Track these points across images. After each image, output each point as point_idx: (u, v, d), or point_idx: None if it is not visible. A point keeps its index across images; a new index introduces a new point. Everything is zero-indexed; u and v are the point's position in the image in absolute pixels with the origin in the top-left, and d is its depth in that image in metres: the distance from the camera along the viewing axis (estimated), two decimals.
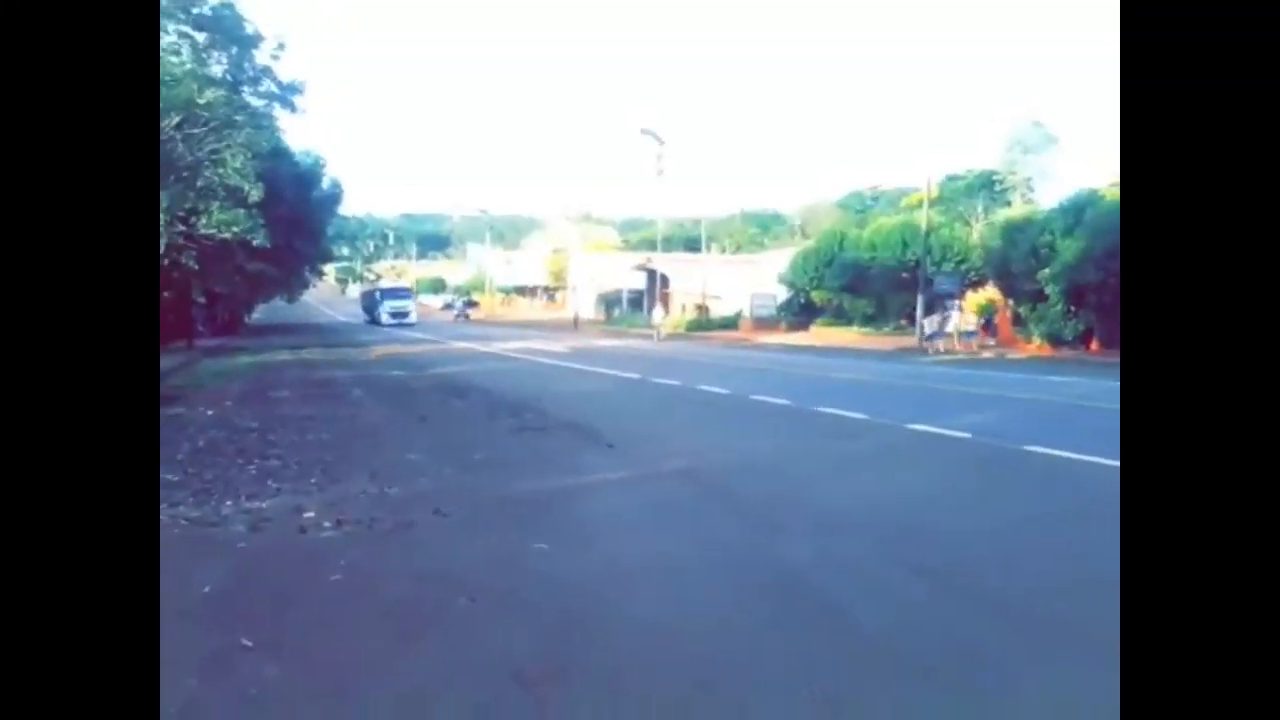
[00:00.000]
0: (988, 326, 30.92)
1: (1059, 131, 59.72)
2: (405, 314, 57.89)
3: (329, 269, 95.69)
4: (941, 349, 28.63)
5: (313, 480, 6.94)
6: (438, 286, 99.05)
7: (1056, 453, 8.13)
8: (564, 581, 4.59)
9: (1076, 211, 28.66)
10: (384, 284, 71.97)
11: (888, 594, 4.40)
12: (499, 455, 8.34)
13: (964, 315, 30.63)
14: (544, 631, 3.89)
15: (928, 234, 36.01)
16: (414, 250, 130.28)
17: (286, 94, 24.12)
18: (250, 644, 3.63)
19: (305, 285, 53.55)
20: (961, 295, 36.30)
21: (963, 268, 37.23)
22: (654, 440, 9.62)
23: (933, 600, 4.31)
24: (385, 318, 56.95)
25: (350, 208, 68.03)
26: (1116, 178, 33.02)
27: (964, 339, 29.48)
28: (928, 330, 29.95)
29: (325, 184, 39.14)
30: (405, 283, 79.14)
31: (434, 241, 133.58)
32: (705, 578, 4.71)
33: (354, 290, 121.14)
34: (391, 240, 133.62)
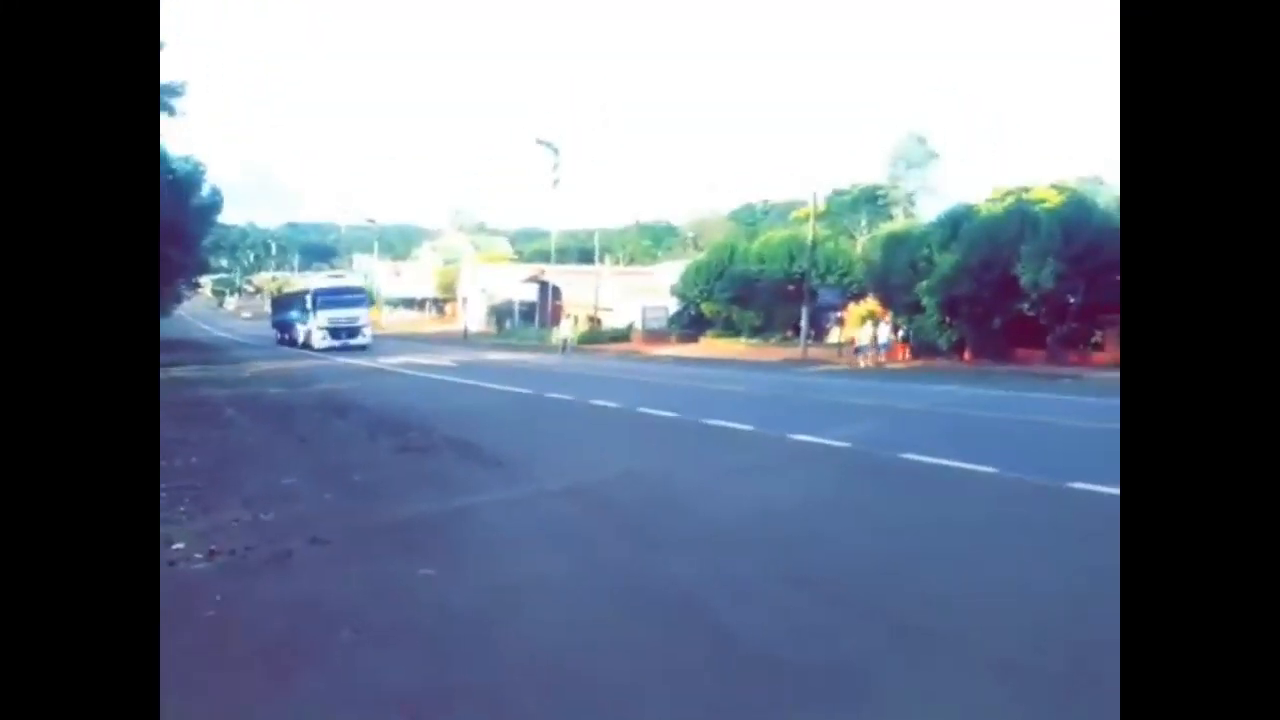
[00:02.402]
0: (908, 340, 31.18)
1: (941, 147, 62.58)
2: (354, 329, 38.82)
3: (206, 281, 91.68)
4: (870, 362, 28.66)
5: (182, 509, 6.62)
6: None
7: (929, 460, 8.50)
8: (450, 607, 4.53)
9: (953, 225, 29.98)
10: (313, 283, 46.15)
11: (769, 606, 4.52)
12: (381, 477, 8.15)
13: (879, 329, 30.64)
14: (430, 660, 3.84)
15: (814, 247, 37.13)
16: (297, 261, 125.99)
17: (165, 96, 23.07)
18: None
19: (179, 299, 51.12)
20: (844, 307, 37.59)
21: (846, 280, 38.51)
22: (542, 457, 9.59)
23: (813, 610, 4.45)
24: (320, 337, 37.94)
25: (230, 216, 64.19)
26: (992, 191, 34.86)
27: (879, 350, 29.81)
28: (860, 342, 30.09)
29: (204, 191, 37.51)
30: (350, 279, 52.22)
31: (319, 252, 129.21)
32: (591, 596, 4.74)
33: (232, 303, 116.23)
34: (274, 250, 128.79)
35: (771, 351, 35.24)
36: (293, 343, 42.57)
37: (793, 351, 33.63)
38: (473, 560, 5.46)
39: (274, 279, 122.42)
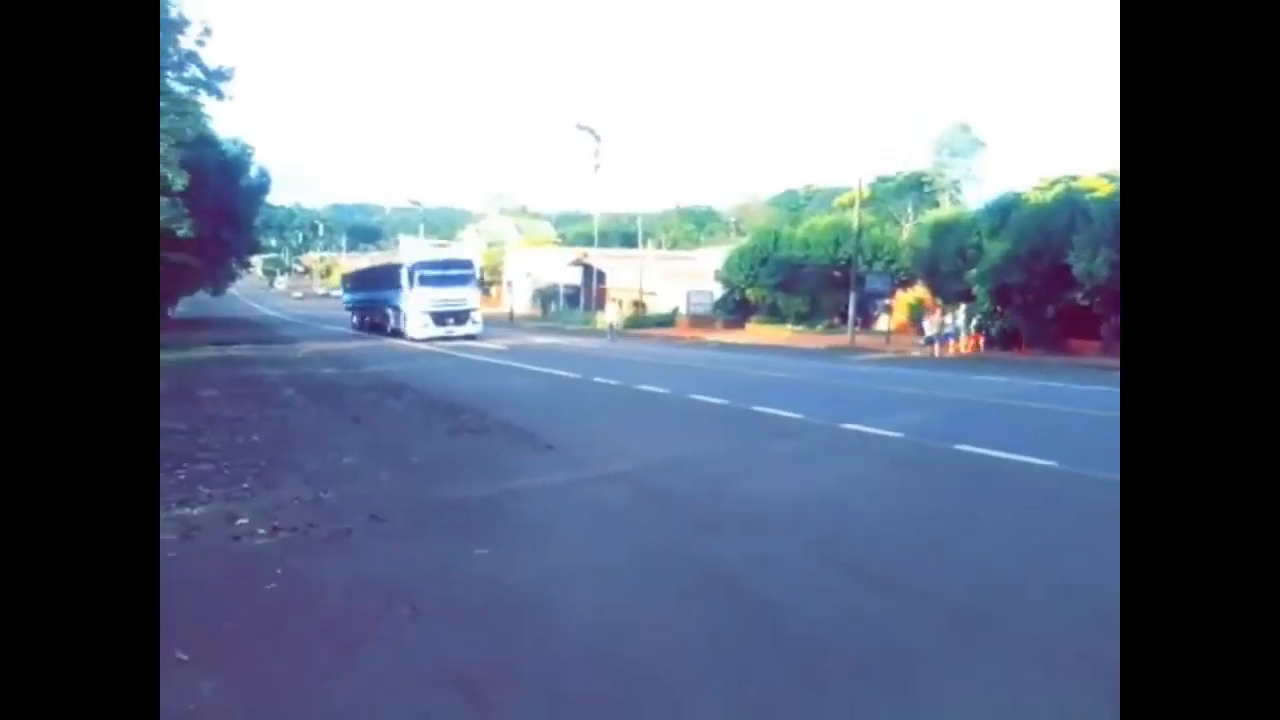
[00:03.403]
0: (982, 330, 29.00)
1: (986, 135, 61.56)
2: (462, 313, 31.61)
3: (256, 260, 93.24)
4: (936, 354, 27.35)
5: (245, 485, 6.79)
6: None
7: (984, 452, 8.38)
8: (506, 587, 4.60)
9: (1002, 213, 29.48)
10: (407, 253, 36.34)
11: (822, 593, 4.51)
12: (436, 458, 8.26)
13: (947, 317, 28.97)
14: (487, 638, 3.91)
15: (859, 233, 36.71)
16: (344, 242, 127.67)
17: (213, 80, 23.47)
18: (185, 658, 3.55)
19: (232, 277, 52.01)
20: (891, 295, 37.08)
21: (893, 267, 38.03)
22: (593, 442, 9.64)
23: (867, 598, 4.44)
24: (419, 323, 30.74)
25: (278, 197, 64.81)
26: (1039, 180, 34.14)
27: (946, 341, 28.22)
28: (929, 332, 28.89)
29: (253, 173, 38.18)
30: (456, 249, 42.49)
31: (364, 233, 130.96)
32: (644, 579, 4.78)
33: (283, 282, 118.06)
34: (321, 231, 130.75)
35: (818, 338, 34.96)
36: (378, 329, 35.19)
37: (840, 339, 33.32)
38: (526, 541, 5.52)
39: (321, 259, 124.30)
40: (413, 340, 30.01)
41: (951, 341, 28.04)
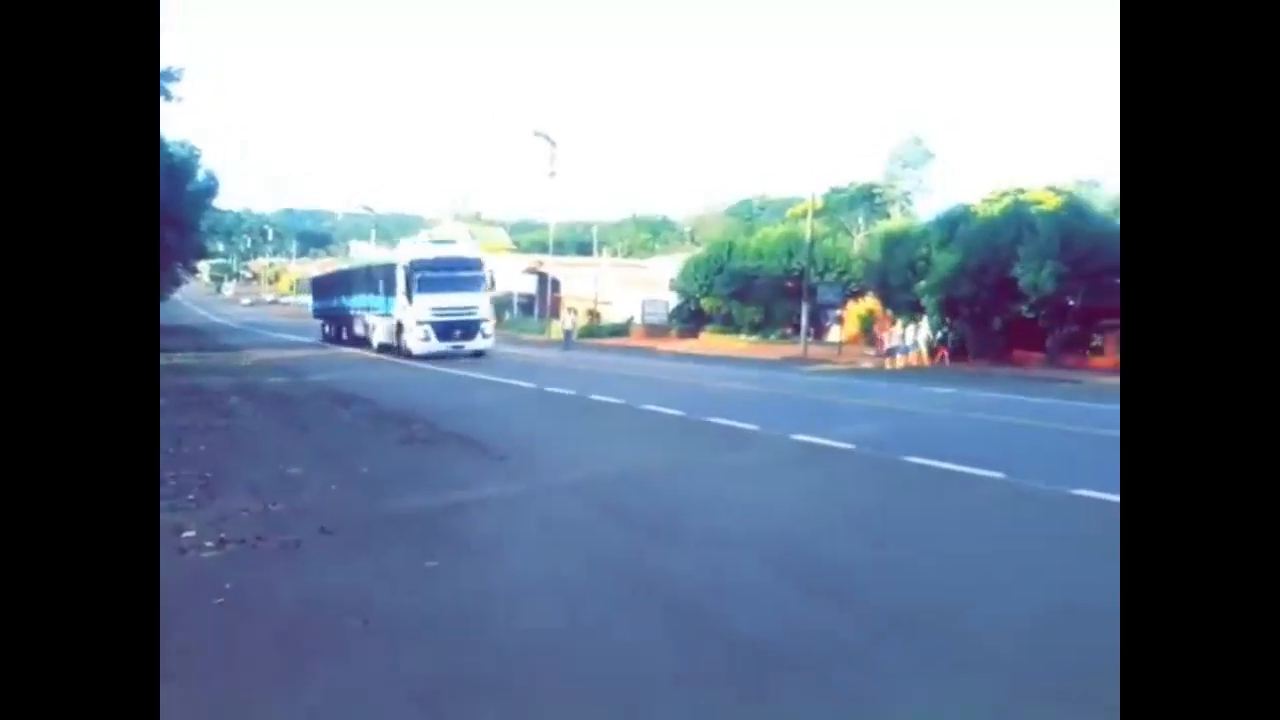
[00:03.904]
0: (946, 343, 29.09)
1: (936, 147, 62.75)
2: (470, 324, 25.42)
3: (203, 266, 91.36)
4: (900, 364, 27.59)
5: (191, 497, 6.65)
6: None
7: (933, 463, 8.53)
8: (457, 598, 4.58)
9: (951, 225, 29.94)
10: (402, 251, 27.61)
11: (773, 604, 4.56)
12: (387, 468, 8.18)
13: (907, 329, 28.99)
14: (438, 650, 3.89)
15: (811, 244, 37.13)
16: (294, 247, 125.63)
17: (161, 81, 23.02)
18: None
19: (176, 283, 50.96)
20: (843, 305, 37.55)
21: (844, 279, 38.52)
22: (547, 452, 9.62)
23: (818, 610, 4.49)
24: (418, 336, 24.84)
25: (226, 202, 63.65)
26: (989, 192, 34.81)
27: (907, 352, 28.42)
28: (888, 344, 29.22)
29: (200, 176, 37.41)
30: (460, 247, 28.27)
31: (315, 239, 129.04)
32: (595, 591, 4.78)
33: (230, 288, 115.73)
34: (270, 237, 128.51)
35: (772, 349, 35.26)
36: (359, 342, 29.66)
37: (793, 349, 33.65)
38: (478, 553, 5.50)
39: (271, 265, 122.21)
40: (408, 357, 24.58)
41: (912, 354, 28.28)
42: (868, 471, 8.61)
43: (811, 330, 35.29)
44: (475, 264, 26.67)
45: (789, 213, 57.44)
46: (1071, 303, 25.55)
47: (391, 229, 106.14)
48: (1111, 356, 25.02)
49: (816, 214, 41.30)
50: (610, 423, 12.63)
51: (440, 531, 5.97)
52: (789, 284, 39.14)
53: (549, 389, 16.38)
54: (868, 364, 28.47)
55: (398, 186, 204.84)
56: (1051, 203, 29.35)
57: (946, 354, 28.08)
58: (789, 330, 38.43)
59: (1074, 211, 27.48)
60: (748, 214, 77.17)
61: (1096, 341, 26.80)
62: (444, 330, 24.94)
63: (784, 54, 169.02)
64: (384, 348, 27.23)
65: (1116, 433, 11.28)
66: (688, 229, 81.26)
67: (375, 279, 28.54)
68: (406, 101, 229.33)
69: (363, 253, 41.72)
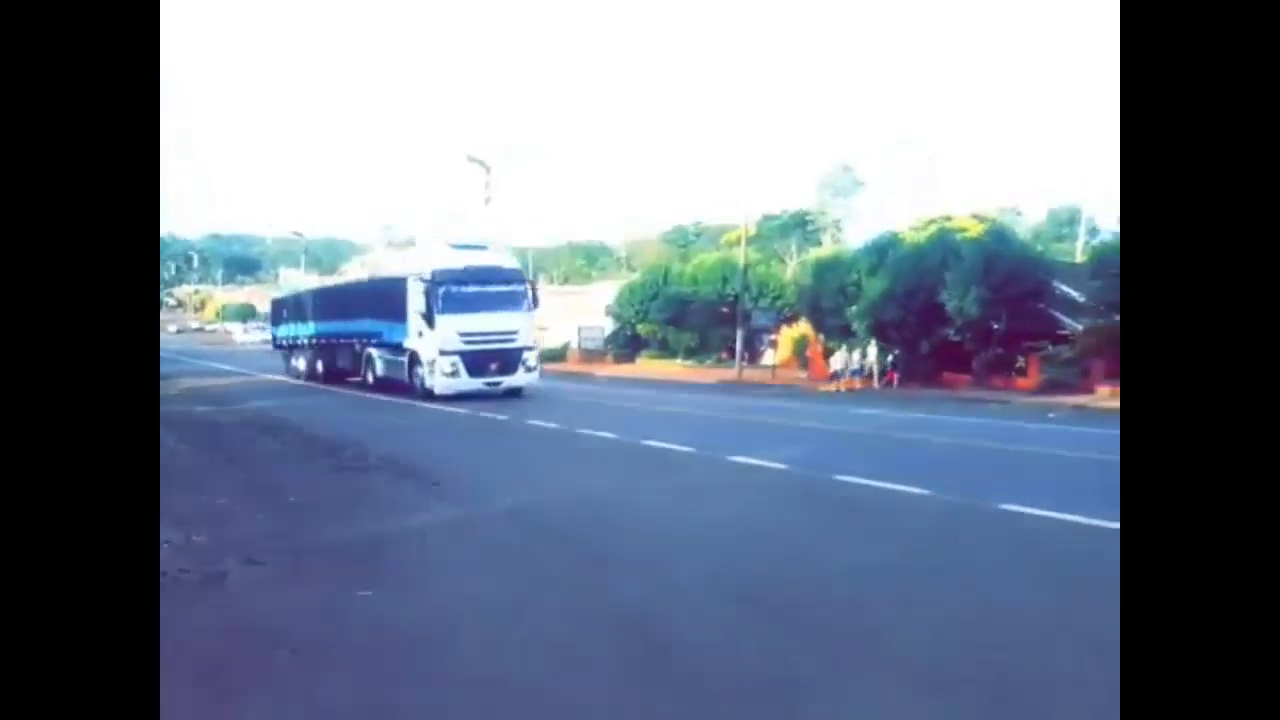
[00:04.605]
0: (895, 367, 29.07)
1: (865, 175, 64.64)
2: (511, 355, 19.99)
3: None
4: (843, 387, 27.91)
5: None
6: (246, 314, 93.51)
7: (862, 481, 8.68)
8: (389, 628, 4.50)
9: (880, 252, 30.72)
10: (418, 258, 22.49)
11: (711, 622, 4.58)
12: (317, 497, 8.01)
13: (854, 354, 29.24)
14: (367, 681, 3.81)
15: (745, 270, 37.69)
16: (220, 274, 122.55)
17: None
18: None
19: None
20: (777, 330, 38.14)
21: (778, 304, 39.14)
22: (481, 478, 9.53)
23: (754, 625, 4.53)
24: (443, 369, 19.25)
25: None
26: (916, 220, 35.81)
27: (853, 376, 28.81)
28: (835, 367, 29.51)
29: None
30: (492, 255, 21.90)
31: (243, 265, 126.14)
32: (534, 617, 4.74)
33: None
34: (196, 263, 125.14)
35: (707, 373, 35.54)
36: (340, 377, 24.21)
37: (728, 373, 33.97)
38: (411, 581, 5.42)
39: (196, 291, 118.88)
40: (426, 398, 19.18)
41: (859, 378, 28.67)
42: (801, 491, 8.73)
43: (746, 354, 35.67)
44: (515, 275, 21.12)
45: (724, 239, 58.30)
46: (995, 326, 26.36)
47: (322, 254, 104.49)
48: (1035, 377, 25.89)
49: (750, 240, 41.97)
50: (546, 447, 12.57)
51: (372, 560, 5.87)
52: (724, 309, 39.59)
53: (483, 414, 16.24)
54: (802, 386, 28.86)
55: (329, 211, 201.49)
56: (975, 230, 30.31)
57: (895, 378, 28.47)
58: (724, 355, 38.81)
59: (997, 238, 28.43)
60: (683, 240, 77.92)
61: (1020, 363, 27.67)
62: (476, 362, 19.33)
63: (716, 83, 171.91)
64: (382, 382, 21.77)
65: (1043, 449, 11.67)
66: (624, 255, 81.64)
67: (373, 298, 22.67)
68: (337, 124, 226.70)
69: (295, 279, 37.40)
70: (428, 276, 19.73)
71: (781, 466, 9.75)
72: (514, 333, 19.95)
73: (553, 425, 14.34)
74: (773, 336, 38.96)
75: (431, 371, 19.35)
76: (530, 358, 20.42)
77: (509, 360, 19.81)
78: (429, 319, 19.41)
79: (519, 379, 20.07)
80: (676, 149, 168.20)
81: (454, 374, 19.20)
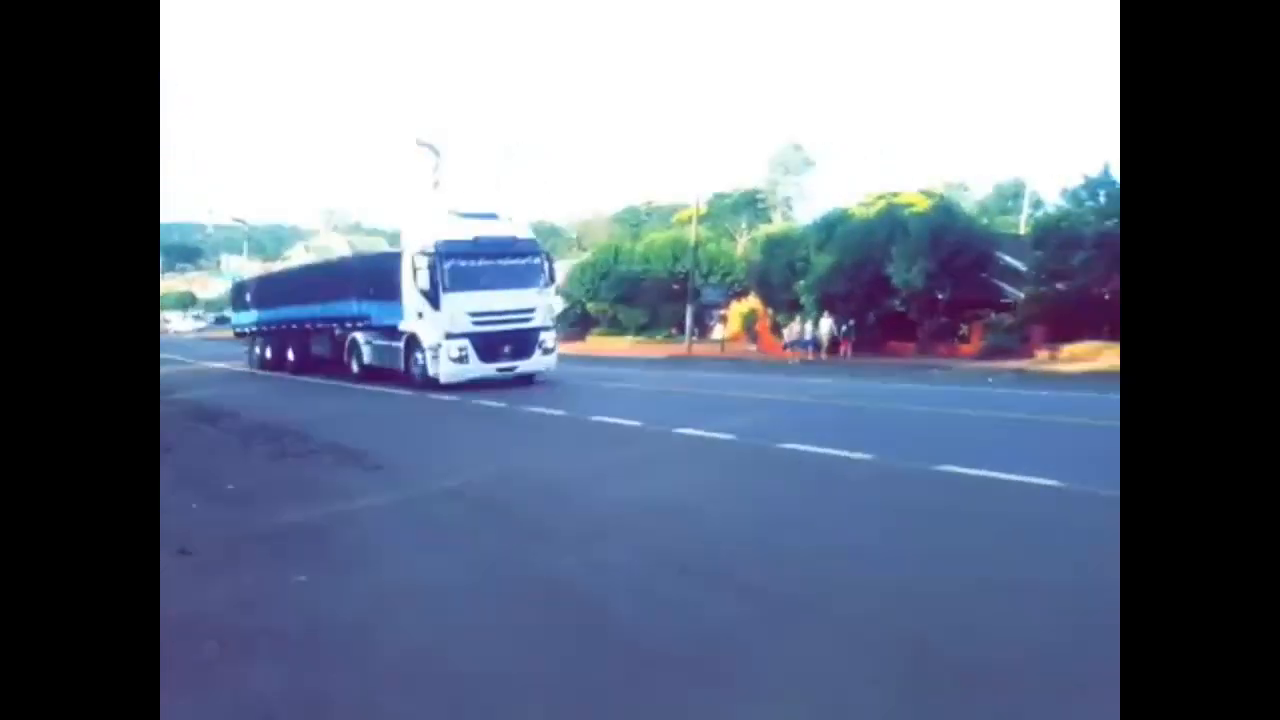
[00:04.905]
0: (849, 337, 29.11)
1: (815, 154, 65.10)
2: (525, 336, 17.60)
3: None
4: (796, 358, 28.05)
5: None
6: (186, 302, 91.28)
7: (808, 449, 8.73)
8: (324, 613, 4.40)
9: (828, 228, 31.13)
10: (426, 227, 17.86)
11: (651, 593, 4.56)
12: (255, 484, 7.81)
13: (806, 325, 29.45)
14: (298, 669, 3.71)
15: (696, 248, 37.79)
16: (160, 262, 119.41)
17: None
18: None
19: None
20: (726, 305, 38.41)
21: (728, 280, 39.34)
22: (426, 459, 9.40)
23: (693, 594, 4.51)
24: (452, 355, 16.66)
25: None
26: (865, 196, 36.20)
27: (808, 347, 28.81)
28: (787, 339, 29.70)
29: None
30: (504, 224, 18.47)
31: (184, 253, 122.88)
32: (475, 596, 4.68)
33: None
34: None
35: (657, 348, 35.61)
36: (316, 365, 21.96)
37: (677, 348, 34.11)
38: (350, 565, 5.31)
39: None
40: (427, 386, 16.91)
41: (811, 349, 28.73)
42: (747, 460, 8.75)
43: (696, 330, 35.86)
44: (531, 247, 18.37)
45: (675, 218, 58.22)
46: (940, 296, 26.81)
47: (265, 241, 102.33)
48: (977, 344, 26.42)
49: (701, 219, 42.05)
50: (492, 425, 12.45)
51: (310, 545, 5.77)
52: (675, 286, 39.65)
53: (430, 395, 16.02)
54: (750, 358, 29.06)
55: (271, 197, 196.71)
56: (922, 205, 30.74)
57: (849, 347, 28.59)
58: (674, 330, 38.92)
59: (943, 212, 28.90)
60: (634, 220, 77.70)
61: (963, 331, 28.21)
62: (489, 346, 17.08)
63: (667, 61, 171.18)
64: (368, 371, 19.55)
65: (981, 413, 11.88)
66: (575, 235, 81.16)
67: (360, 276, 20.49)
68: (279, 109, 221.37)
69: (235, 265, 35.57)
70: (431, 249, 16.88)
71: (729, 437, 9.77)
72: (530, 311, 17.63)
73: (500, 405, 14.21)
74: (722, 312, 39.16)
75: (435, 357, 16.85)
76: (548, 339, 18.15)
77: (524, 342, 17.57)
78: (432, 298, 16.82)
79: (535, 363, 17.85)
80: (629, 130, 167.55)
81: (462, 359, 16.81)
